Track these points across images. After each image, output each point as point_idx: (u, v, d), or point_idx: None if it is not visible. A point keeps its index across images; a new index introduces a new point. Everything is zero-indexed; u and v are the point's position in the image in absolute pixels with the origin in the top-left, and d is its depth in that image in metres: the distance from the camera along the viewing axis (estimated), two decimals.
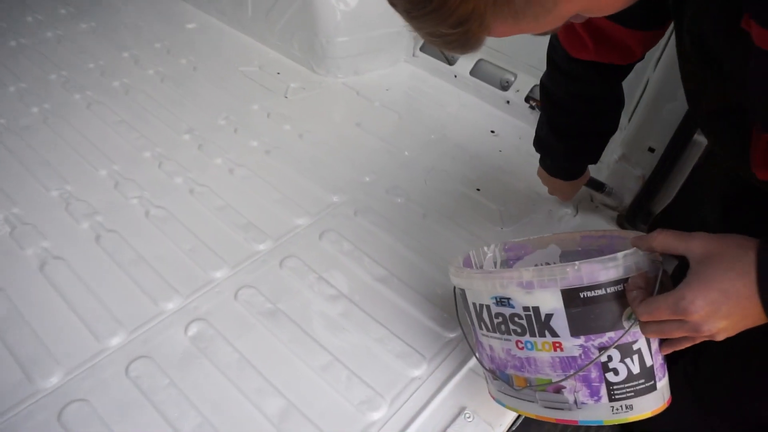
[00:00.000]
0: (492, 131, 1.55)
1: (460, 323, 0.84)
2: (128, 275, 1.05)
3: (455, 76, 1.69)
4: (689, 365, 0.88)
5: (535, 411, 0.74)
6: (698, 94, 0.66)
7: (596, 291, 0.65)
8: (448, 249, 1.16)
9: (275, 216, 1.21)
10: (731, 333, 0.59)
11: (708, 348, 0.63)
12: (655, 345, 0.68)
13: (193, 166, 1.31)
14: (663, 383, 0.70)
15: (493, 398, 0.81)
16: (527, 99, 1.55)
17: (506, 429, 0.88)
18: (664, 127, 1.19)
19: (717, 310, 0.56)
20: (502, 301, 0.71)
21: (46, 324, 0.96)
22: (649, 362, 0.68)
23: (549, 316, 0.68)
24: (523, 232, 1.23)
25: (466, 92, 1.66)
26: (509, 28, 0.50)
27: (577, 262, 0.65)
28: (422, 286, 1.09)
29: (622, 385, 0.68)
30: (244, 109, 1.52)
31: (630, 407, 0.68)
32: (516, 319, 0.71)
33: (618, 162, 1.31)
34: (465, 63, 1.69)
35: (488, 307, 0.73)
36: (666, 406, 0.70)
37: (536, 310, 0.68)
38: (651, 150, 1.27)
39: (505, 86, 1.63)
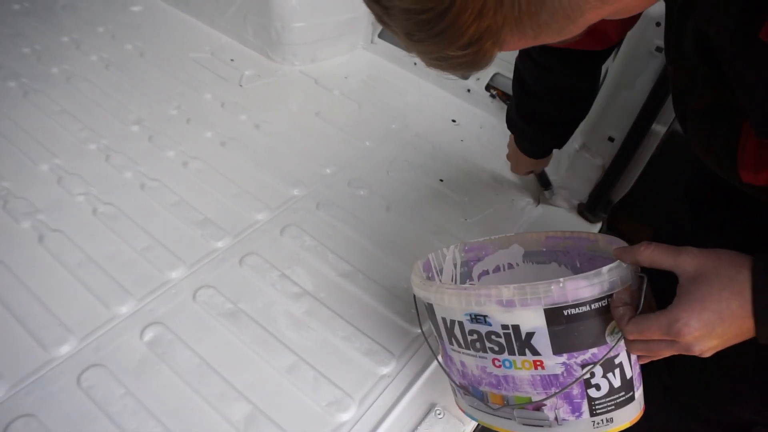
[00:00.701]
0: (453, 120, 1.54)
1: (421, 327, 0.82)
2: (76, 278, 0.98)
3: (415, 64, 1.66)
4: (665, 373, 0.89)
5: (513, 428, 0.72)
6: (688, 91, 0.64)
7: (580, 308, 0.63)
8: (412, 242, 1.15)
9: (233, 211, 1.16)
10: (720, 349, 0.58)
11: (682, 355, 0.63)
12: (634, 356, 0.67)
13: (143, 160, 1.24)
14: (640, 392, 0.69)
15: (463, 411, 0.79)
16: (488, 87, 1.54)
17: (477, 425, 0.88)
18: (623, 116, 1.21)
19: (711, 331, 0.55)
20: (478, 319, 0.68)
21: None
22: (629, 374, 0.67)
23: (530, 335, 0.65)
24: (486, 222, 1.23)
25: (426, 81, 1.64)
26: (527, 42, 0.46)
27: (561, 279, 0.62)
28: (388, 281, 1.07)
29: (603, 400, 0.66)
30: (196, 98, 1.45)
31: (611, 420, 0.67)
32: (493, 337, 0.68)
33: (579, 151, 1.33)
34: None
35: (461, 323, 0.70)
36: (641, 414, 0.70)
37: (516, 328, 0.66)
38: (611, 139, 1.28)
39: (465, 74, 1.62)
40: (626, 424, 0.68)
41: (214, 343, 0.93)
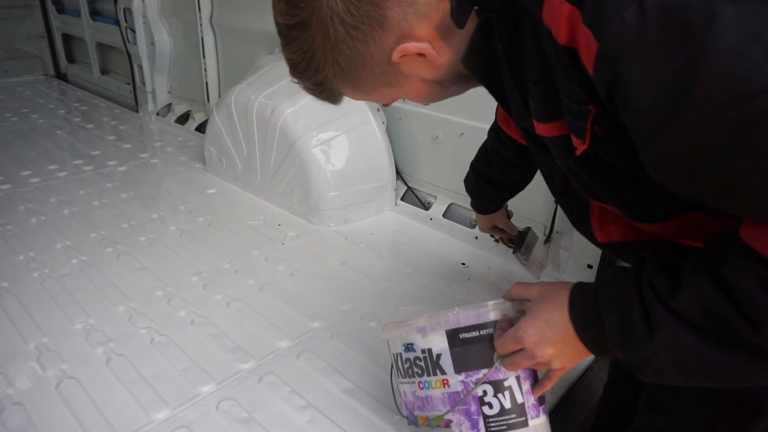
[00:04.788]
0: (463, 263, 1.75)
1: (393, 390, 0.98)
2: (129, 392, 1.22)
3: (431, 219, 1.95)
4: None
5: None
6: (548, 176, 0.84)
7: (472, 332, 0.80)
8: None
9: (261, 340, 1.39)
10: (564, 361, 0.72)
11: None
12: (526, 386, 0.81)
13: (196, 302, 1.53)
14: (537, 422, 0.80)
15: None
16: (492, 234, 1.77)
17: None
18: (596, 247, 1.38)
19: (543, 336, 0.71)
20: (409, 347, 0.86)
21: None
22: (519, 399, 0.80)
23: (439, 356, 0.82)
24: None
25: (440, 232, 1.90)
26: (353, 95, 0.74)
27: (456, 309, 0.81)
28: (383, 396, 1.21)
29: (496, 418, 0.80)
30: (245, 254, 1.78)
31: None
32: (418, 361, 0.85)
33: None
34: (438, 207, 1.95)
35: (400, 354, 0.88)
36: None
37: (430, 351, 0.83)
38: (589, 266, 1.44)
39: (473, 225, 1.86)
40: None
41: None
